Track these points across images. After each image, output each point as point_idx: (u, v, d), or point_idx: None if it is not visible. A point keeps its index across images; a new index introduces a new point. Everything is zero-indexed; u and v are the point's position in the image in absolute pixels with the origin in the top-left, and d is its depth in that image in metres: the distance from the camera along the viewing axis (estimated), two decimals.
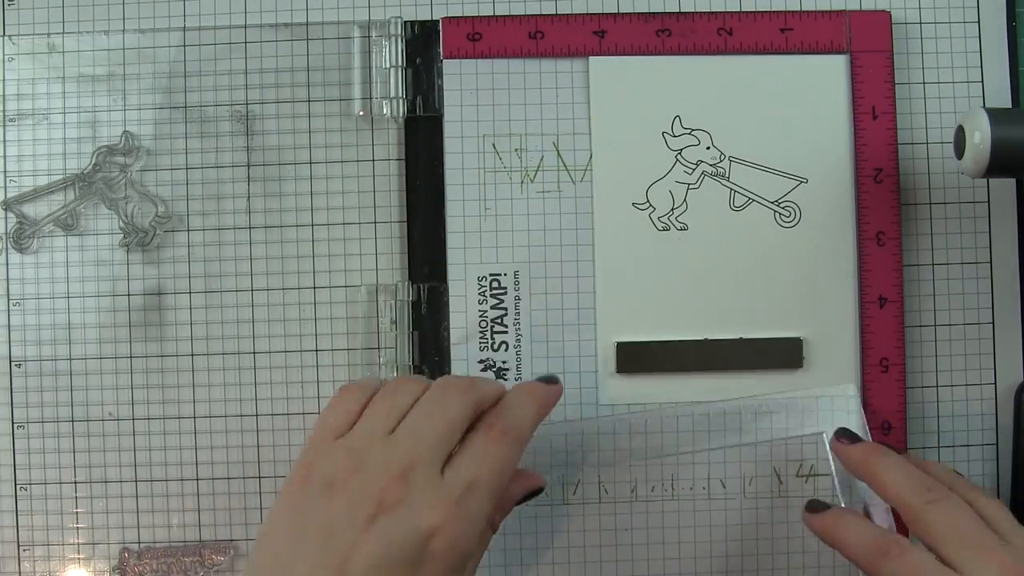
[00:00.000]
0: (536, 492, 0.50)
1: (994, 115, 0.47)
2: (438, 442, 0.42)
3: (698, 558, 0.53)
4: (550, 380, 0.48)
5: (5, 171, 0.54)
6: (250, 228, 0.54)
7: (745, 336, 0.53)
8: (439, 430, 0.42)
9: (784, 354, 0.53)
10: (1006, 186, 0.54)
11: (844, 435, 0.50)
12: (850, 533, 0.46)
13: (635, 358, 0.53)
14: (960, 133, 0.48)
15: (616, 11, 0.54)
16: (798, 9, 0.54)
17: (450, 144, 0.53)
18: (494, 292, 0.53)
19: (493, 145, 0.53)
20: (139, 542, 0.53)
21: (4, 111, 0.54)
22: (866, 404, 0.53)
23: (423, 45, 0.54)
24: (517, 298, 0.53)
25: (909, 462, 0.48)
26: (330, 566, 0.40)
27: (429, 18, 0.54)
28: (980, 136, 0.47)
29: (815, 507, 0.49)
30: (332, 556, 0.40)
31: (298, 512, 0.41)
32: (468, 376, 0.47)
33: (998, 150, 0.47)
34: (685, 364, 0.53)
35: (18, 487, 0.53)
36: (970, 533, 0.44)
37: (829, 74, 0.53)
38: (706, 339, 0.53)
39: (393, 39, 0.53)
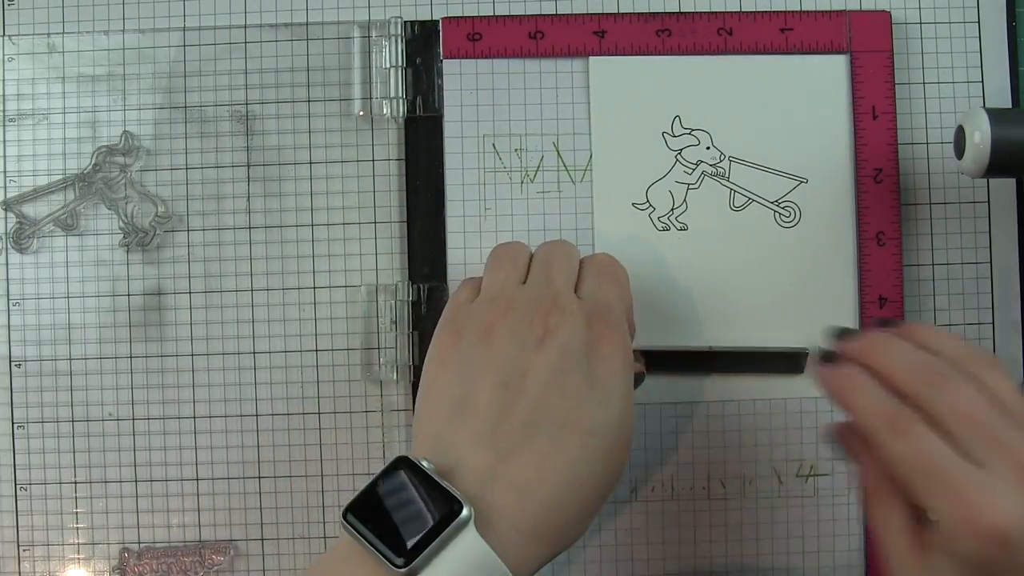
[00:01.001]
0: (638, 378, 0.51)
1: (994, 115, 0.47)
2: (568, 275, 0.46)
3: (698, 558, 0.53)
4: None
5: (5, 171, 0.54)
6: (250, 228, 0.54)
7: (747, 344, 0.53)
8: (564, 266, 0.46)
9: (788, 363, 0.53)
10: (1006, 186, 0.54)
11: (824, 357, 0.44)
12: (862, 396, 0.41)
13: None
14: (960, 133, 0.48)
15: (616, 11, 0.54)
16: (798, 9, 0.54)
17: (450, 144, 0.53)
18: None
19: (493, 145, 0.53)
20: (139, 542, 0.53)
21: (4, 111, 0.54)
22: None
23: (423, 45, 0.54)
24: None
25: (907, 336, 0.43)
26: (511, 386, 0.42)
27: (429, 18, 0.54)
28: (980, 136, 0.47)
29: (828, 357, 0.44)
30: (510, 377, 0.42)
31: (461, 360, 0.44)
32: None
33: (998, 150, 0.47)
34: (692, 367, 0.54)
35: (18, 487, 0.53)
36: (979, 420, 0.39)
37: (829, 74, 0.53)
38: (710, 348, 0.53)
39: (393, 39, 0.53)
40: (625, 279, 0.48)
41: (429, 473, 0.40)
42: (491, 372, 0.43)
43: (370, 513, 0.40)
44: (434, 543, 0.38)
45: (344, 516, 0.40)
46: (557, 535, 0.41)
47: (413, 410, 0.53)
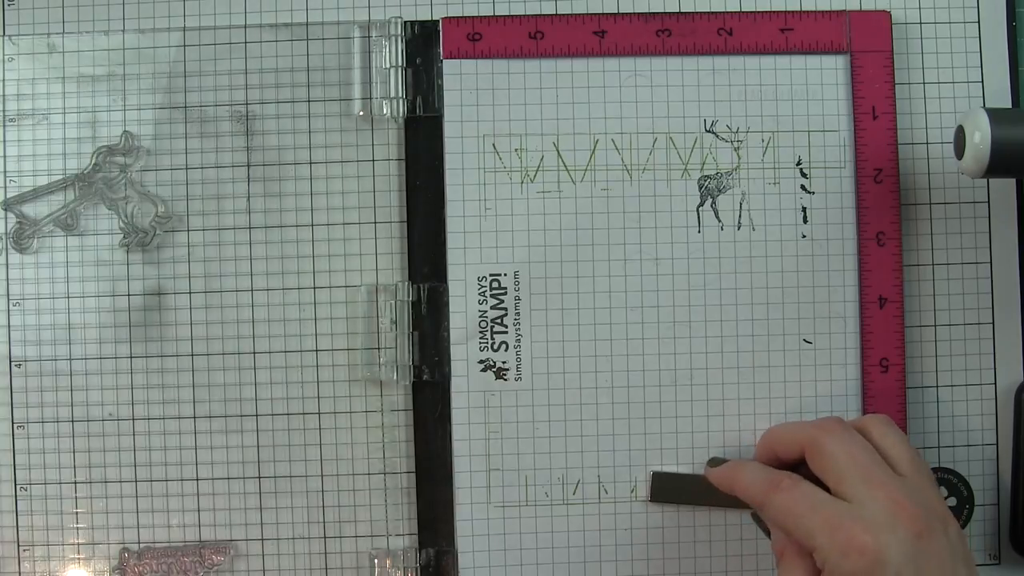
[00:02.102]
0: None
1: (994, 115, 0.47)
2: None
3: (698, 558, 0.53)
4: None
5: (5, 171, 0.54)
6: (250, 228, 0.54)
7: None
8: None
9: None
10: (1006, 186, 0.54)
11: (711, 462, 0.52)
12: (745, 475, 0.48)
13: (670, 486, 0.54)
14: (960, 133, 0.48)
15: (616, 11, 0.54)
16: (798, 9, 0.54)
17: (450, 144, 0.53)
18: (494, 292, 0.53)
19: (493, 145, 0.53)
20: (139, 542, 0.53)
21: (4, 111, 0.54)
22: (866, 404, 0.53)
23: (423, 45, 0.54)
24: (517, 298, 0.53)
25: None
26: None
27: (429, 18, 0.54)
28: (980, 136, 0.47)
29: (715, 463, 0.51)
30: None
31: None
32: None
33: (998, 150, 0.47)
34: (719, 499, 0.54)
35: (18, 487, 0.53)
36: (862, 465, 0.45)
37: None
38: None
39: (393, 39, 0.53)
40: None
41: None
42: None
43: None
44: None
45: None
46: None
47: (413, 410, 0.53)
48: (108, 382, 0.53)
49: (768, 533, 0.50)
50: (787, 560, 0.46)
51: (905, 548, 0.42)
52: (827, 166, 0.53)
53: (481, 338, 0.53)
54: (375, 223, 0.54)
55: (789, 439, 0.48)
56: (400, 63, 0.53)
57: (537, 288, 0.53)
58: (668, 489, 0.53)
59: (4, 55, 0.54)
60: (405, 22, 0.53)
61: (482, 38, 0.53)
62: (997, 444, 0.54)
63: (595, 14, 0.53)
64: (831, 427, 0.46)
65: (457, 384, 0.53)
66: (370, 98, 0.54)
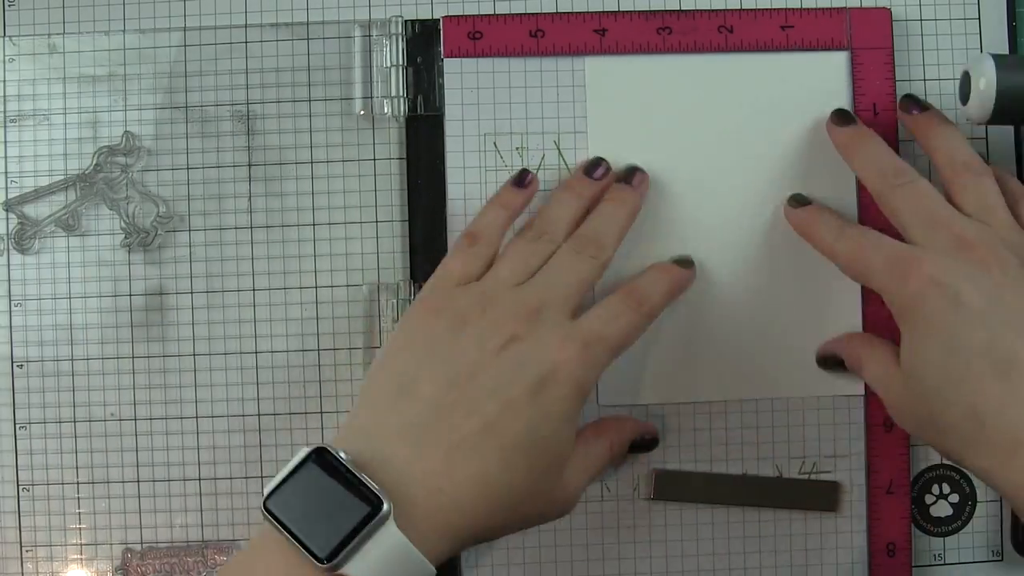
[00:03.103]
0: (651, 442, 0.53)
1: (1000, 61, 0.47)
2: (568, 291, 0.46)
3: (700, 556, 0.53)
4: (683, 263, 0.52)
5: (6, 172, 0.54)
6: (251, 228, 0.54)
7: (750, 344, 0.53)
8: (569, 281, 0.47)
9: (821, 497, 0.54)
10: (1004, 133, 0.54)
11: (838, 116, 0.52)
12: (819, 223, 0.50)
13: (672, 485, 0.54)
14: (965, 79, 0.49)
15: (617, 9, 0.54)
16: (799, 6, 0.54)
17: (451, 143, 0.53)
18: None
19: (494, 144, 0.53)
20: (141, 542, 0.53)
21: (5, 112, 0.54)
22: (868, 401, 0.53)
23: (424, 44, 0.54)
24: None
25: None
26: (456, 386, 0.43)
27: (430, 17, 0.54)
28: (985, 82, 0.47)
29: (797, 200, 0.52)
30: (459, 377, 0.43)
31: (426, 341, 0.45)
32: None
33: (1003, 96, 0.47)
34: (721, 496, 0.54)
35: (20, 487, 0.53)
36: (928, 211, 0.46)
37: (830, 71, 0.53)
38: (745, 474, 0.54)
39: (394, 38, 0.53)
40: (659, 306, 0.49)
41: (348, 465, 0.41)
42: (443, 367, 0.44)
43: (291, 503, 0.40)
44: (356, 539, 0.39)
45: (264, 506, 0.40)
46: (469, 535, 0.43)
47: None
48: (110, 382, 0.53)
49: (838, 366, 0.52)
50: (867, 348, 0.49)
51: (969, 272, 0.43)
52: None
53: None
54: (376, 222, 0.54)
55: (864, 172, 0.50)
56: (401, 62, 0.53)
57: None
58: (670, 487, 0.53)
59: (5, 55, 0.54)
60: (406, 21, 0.53)
61: (483, 37, 0.53)
62: None
63: (596, 12, 0.53)
64: (897, 180, 0.48)
65: None
66: (371, 97, 0.54)
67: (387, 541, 0.40)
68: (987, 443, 0.42)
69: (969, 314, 0.43)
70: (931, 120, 0.50)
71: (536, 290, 0.46)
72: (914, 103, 0.51)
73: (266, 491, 0.41)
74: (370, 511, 0.40)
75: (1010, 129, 0.54)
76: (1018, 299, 0.43)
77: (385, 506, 0.40)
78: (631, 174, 0.52)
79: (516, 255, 0.48)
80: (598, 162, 0.51)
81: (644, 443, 0.52)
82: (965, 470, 0.53)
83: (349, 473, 0.41)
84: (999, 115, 0.48)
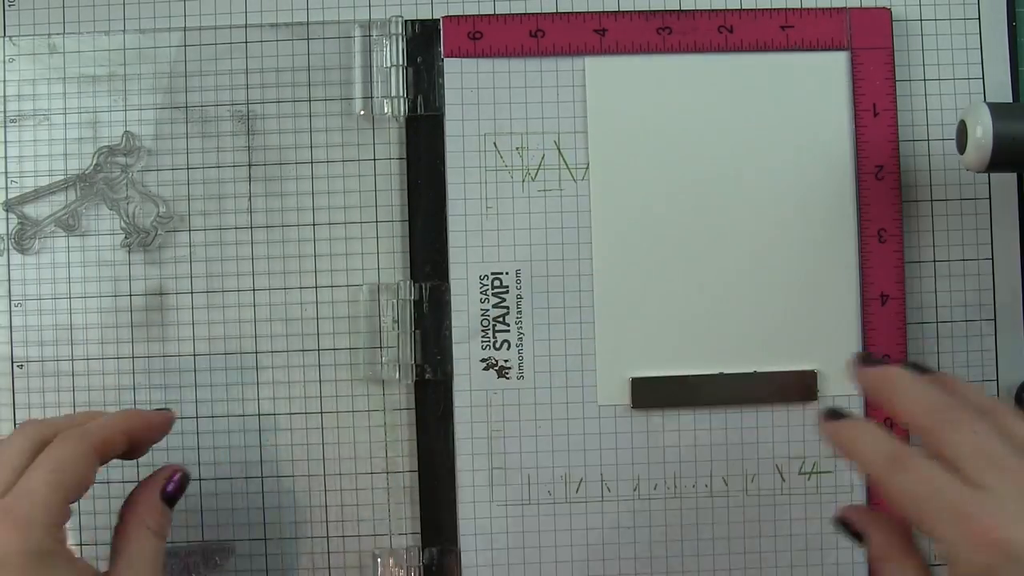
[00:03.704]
0: (182, 481, 0.48)
1: (996, 109, 0.47)
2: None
3: (701, 556, 0.53)
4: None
5: (6, 172, 0.54)
6: (251, 228, 0.54)
7: (750, 343, 0.53)
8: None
9: (798, 387, 0.54)
10: (1007, 182, 0.54)
11: (863, 359, 0.45)
12: (866, 442, 0.42)
13: (650, 391, 0.53)
14: (962, 127, 0.48)
15: (617, 9, 0.54)
16: (799, 6, 0.54)
17: (451, 143, 0.53)
18: (496, 291, 0.53)
19: (494, 144, 0.53)
20: None
21: (5, 112, 0.54)
22: (868, 401, 0.53)
23: (424, 44, 0.54)
24: (519, 297, 0.53)
25: (933, 383, 0.43)
26: None
27: (430, 17, 0.54)
28: (982, 130, 0.47)
29: (833, 415, 0.44)
30: None
31: None
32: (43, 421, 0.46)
33: (1000, 144, 0.47)
34: (701, 398, 0.53)
35: None
36: (992, 451, 0.39)
37: (830, 71, 0.54)
38: (721, 373, 0.53)
39: (394, 38, 0.53)
40: (105, 434, 0.44)
41: None
42: None
43: None
44: None
45: None
46: None
47: (415, 409, 0.53)
48: (110, 382, 0.53)
49: (859, 540, 0.44)
50: (894, 564, 0.42)
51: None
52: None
53: (483, 337, 0.53)
54: (376, 222, 0.54)
55: (910, 410, 0.42)
56: (401, 62, 0.53)
57: (539, 287, 0.53)
58: (649, 394, 0.53)
59: (5, 56, 0.54)
60: (405, 21, 0.54)
61: (483, 37, 0.53)
62: None
63: (596, 12, 0.54)
64: (956, 419, 0.40)
65: (459, 383, 0.53)
66: (371, 97, 0.54)
67: None
68: None
69: None
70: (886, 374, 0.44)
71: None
72: (865, 360, 0.45)
73: None
74: None
75: (1012, 177, 0.55)
76: None
77: None
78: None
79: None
80: None
81: (177, 487, 0.48)
82: None
83: None
84: (996, 163, 0.47)
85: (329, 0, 0.54)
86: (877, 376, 0.43)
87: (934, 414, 0.41)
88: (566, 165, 0.54)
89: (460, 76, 0.53)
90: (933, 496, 0.39)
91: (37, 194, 0.54)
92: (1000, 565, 0.37)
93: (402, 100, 0.53)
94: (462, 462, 0.53)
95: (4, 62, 0.54)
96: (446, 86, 0.53)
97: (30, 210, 0.54)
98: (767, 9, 0.54)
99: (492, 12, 0.54)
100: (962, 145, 0.48)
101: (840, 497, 0.53)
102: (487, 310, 0.53)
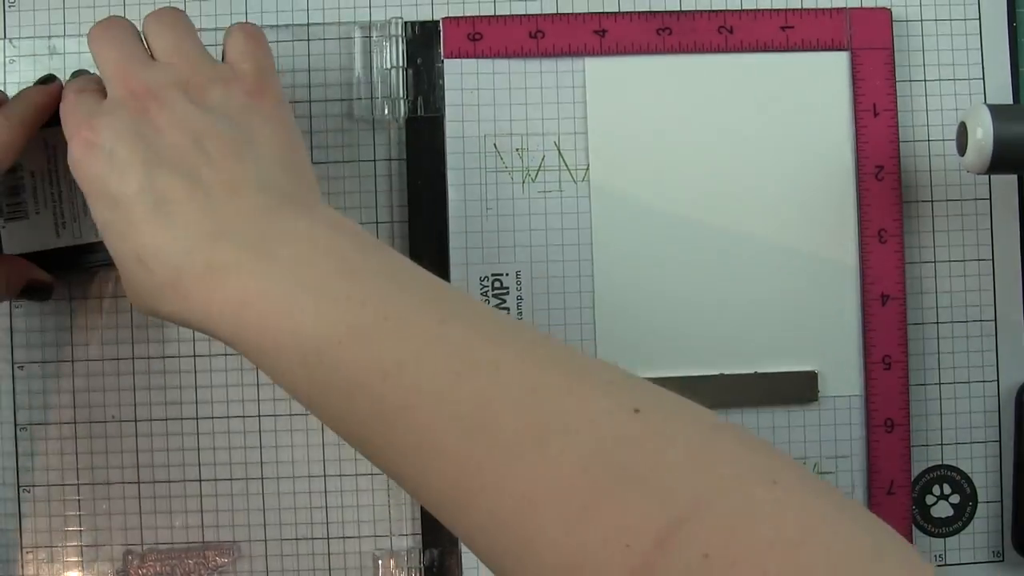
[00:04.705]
0: (44, 289, 0.50)
1: (996, 111, 0.47)
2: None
3: None
4: (46, 80, 0.49)
5: None
6: None
7: (749, 344, 0.53)
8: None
9: (798, 388, 0.53)
10: (1008, 183, 0.54)
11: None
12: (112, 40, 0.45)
13: None
14: (962, 129, 0.48)
15: (617, 10, 0.54)
16: (799, 7, 0.54)
17: (451, 144, 0.53)
18: (496, 292, 0.53)
19: (494, 145, 0.53)
20: (142, 544, 0.53)
21: None
22: (868, 401, 0.53)
23: (424, 45, 0.54)
24: (519, 298, 0.53)
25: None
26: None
27: (429, 18, 0.54)
28: (982, 132, 0.47)
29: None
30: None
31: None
32: None
33: (1000, 146, 0.47)
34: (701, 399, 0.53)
35: (21, 489, 0.53)
36: (115, 64, 0.44)
37: (830, 72, 0.53)
38: (721, 373, 0.53)
39: (394, 39, 0.53)
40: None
41: None
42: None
43: None
44: None
45: None
46: None
47: None
48: (110, 383, 0.53)
49: None
50: None
51: (127, 124, 0.42)
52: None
53: None
54: (376, 223, 0.54)
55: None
56: (401, 63, 0.53)
57: (539, 288, 0.53)
58: None
59: (5, 57, 0.54)
60: (405, 22, 0.53)
61: (482, 38, 0.53)
62: (1000, 441, 0.54)
63: (595, 13, 0.53)
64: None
65: None
66: (371, 98, 0.54)
67: None
68: (162, 286, 0.41)
69: (122, 164, 0.41)
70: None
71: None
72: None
73: None
74: None
75: (1013, 178, 0.55)
76: (176, 136, 0.41)
77: None
78: None
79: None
80: None
81: (36, 290, 0.51)
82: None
83: None
84: (997, 165, 0.47)
85: (329, 1, 0.54)
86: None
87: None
88: (566, 166, 0.53)
89: (460, 77, 0.53)
90: (70, 109, 0.44)
91: None
92: (81, 156, 0.42)
93: (402, 101, 0.53)
94: None
95: (4, 63, 0.54)
96: (446, 87, 0.53)
97: None
98: (767, 9, 0.53)
99: (492, 13, 0.54)
100: (962, 147, 0.48)
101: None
102: None
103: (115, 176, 0.41)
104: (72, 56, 0.54)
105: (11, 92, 0.53)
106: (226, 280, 0.39)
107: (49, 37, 0.54)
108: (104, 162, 0.41)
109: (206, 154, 0.41)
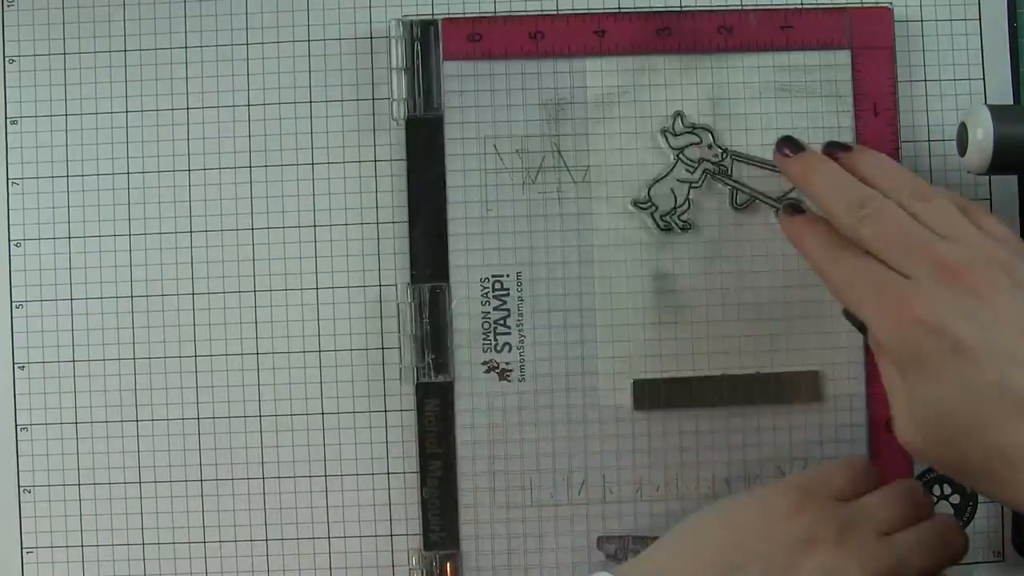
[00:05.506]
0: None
1: (997, 112, 0.47)
2: (887, 519, 0.45)
3: None
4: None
5: (7, 174, 0.54)
6: (252, 229, 0.54)
7: (752, 343, 0.53)
8: (890, 510, 0.45)
9: (801, 387, 0.54)
10: (1008, 183, 0.54)
11: (785, 143, 0.48)
12: (826, 182, 0.46)
13: (652, 393, 0.53)
14: (963, 130, 0.48)
15: (617, 10, 0.54)
16: (799, 6, 0.54)
17: (451, 145, 0.53)
18: (497, 293, 0.53)
19: (494, 146, 0.53)
20: (142, 543, 0.53)
21: (6, 115, 0.54)
22: (870, 400, 0.53)
23: (424, 46, 0.54)
24: (520, 299, 0.53)
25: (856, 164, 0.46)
26: None
27: (430, 19, 0.54)
28: (983, 133, 0.47)
29: (789, 146, 0.48)
30: None
31: (770, 537, 0.44)
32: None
33: (1001, 147, 0.47)
34: (703, 399, 0.53)
35: (21, 489, 0.53)
36: (903, 236, 0.43)
37: (830, 72, 0.53)
38: (723, 374, 0.53)
39: (394, 41, 0.53)
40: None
41: None
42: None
43: None
44: None
45: None
46: None
47: (417, 411, 0.53)
48: (111, 383, 0.53)
49: (862, 329, 0.46)
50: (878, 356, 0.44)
51: (961, 305, 0.40)
52: None
53: (484, 339, 0.53)
54: (377, 224, 0.54)
55: (829, 208, 0.45)
56: (401, 64, 0.53)
57: (540, 289, 0.53)
58: (651, 396, 0.53)
59: (5, 57, 0.54)
60: (405, 23, 0.54)
61: (482, 39, 0.53)
62: None
63: (595, 13, 0.53)
64: (863, 212, 0.44)
65: (461, 386, 0.53)
66: (371, 99, 0.54)
67: None
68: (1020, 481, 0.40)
69: (972, 355, 0.40)
70: (810, 163, 0.47)
71: (905, 558, 0.44)
72: (788, 144, 0.48)
73: None
74: None
75: (1013, 179, 0.54)
76: (1015, 320, 0.40)
77: None
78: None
79: (896, 509, 0.46)
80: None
81: None
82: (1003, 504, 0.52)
83: None
84: (997, 166, 0.48)
85: (329, 2, 0.54)
86: (796, 168, 0.47)
87: (849, 210, 0.44)
88: (566, 167, 0.54)
89: (460, 78, 0.53)
90: (863, 284, 0.43)
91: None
92: (918, 339, 0.40)
93: (402, 102, 0.53)
94: (464, 464, 0.53)
95: (4, 64, 0.54)
96: (446, 88, 0.53)
97: None
98: (767, 9, 0.53)
99: (492, 13, 0.54)
100: (963, 147, 0.48)
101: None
102: (488, 312, 0.53)
103: (964, 367, 0.40)
104: (72, 56, 0.54)
105: (11, 93, 0.53)
106: None
107: (49, 38, 0.54)
108: (948, 348, 0.40)
109: None
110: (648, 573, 0.44)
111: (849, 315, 0.46)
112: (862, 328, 0.45)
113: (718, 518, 0.46)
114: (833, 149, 0.47)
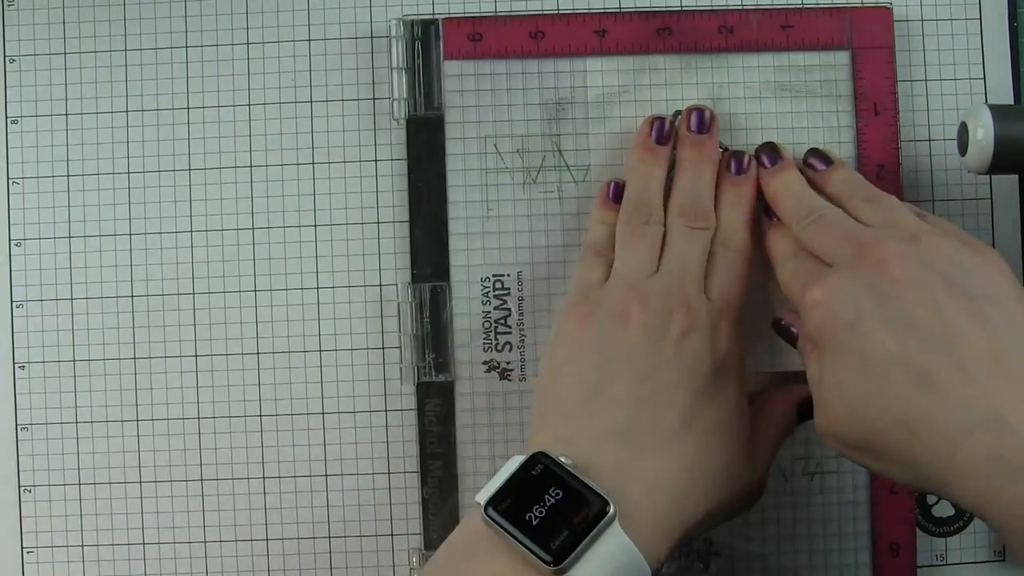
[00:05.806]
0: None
1: (997, 111, 0.47)
2: (699, 271, 0.48)
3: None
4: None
5: (7, 173, 0.54)
6: (253, 229, 0.54)
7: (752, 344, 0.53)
8: (697, 261, 0.48)
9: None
10: (1008, 183, 0.54)
11: (766, 152, 0.51)
12: (787, 197, 0.49)
13: None
14: (963, 130, 0.48)
15: (617, 9, 0.54)
16: (799, 6, 0.54)
17: (452, 145, 0.53)
18: (497, 293, 0.53)
19: (495, 145, 0.53)
20: (143, 542, 0.53)
21: (7, 115, 0.54)
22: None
23: (424, 46, 0.54)
24: (520, 299, 0.53)
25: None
26: (646, 381, 0.45)
27: (430, 18, 0.54)
28: (983, 132, 0.47)
29: (767, 156, 0.51)
30: (645, 373, 0.45)
31: (596, 345, 0.46)
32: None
33: (1001, 146, 0.47)
34: None
35: (22, 489, 0.53)
36: (835, 231, 0.45)
37: (830, 71, 0.53)
38: None
39: (394, 40, 0.53)
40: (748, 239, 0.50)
41: (570, 469, 0.42)
42: (626, 365, 0.45)
43: (512, 508, 0.41)
44: (583, 542, 0.40)
45: (485, 510, 0.41)
46: (681, 531, 0.43)
47: (418, 411, 0.53)
48: (111, 383, 0.53)
49: (789, 340, 0.50)
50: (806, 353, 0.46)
51: (867, 280, 0.42)
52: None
53: (485, 339, 0.53)
54: (378, 223, 0.54)
55: (784, 216, 0.49)
56: (401, 64, 0.53)
57: (540, 288, 0.53)
58: None
59: (5, 56, 0.54)
60: (406, 23, 0.54)
61: (483, 38, 0.53)
62: None
63: (596, 13, 0.53)
64: (809, 219, 0.47)
65: (461, 385, 0.53)
66: (372, 99, 0.54)
67: (612, 544, 0.40)
68: (922, 452, 0.40)
69: (869, 327, 0.41)
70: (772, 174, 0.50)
71: (676, 278, 0.47)
72: (767, 153, 0.51)
73: (483, 497, 0.42)
74: (596, 514, 0.40)
75: (1013, 178, 0.54)
76: (915, 288, 0.41)
77: (611, 509, 0.40)
78: (697, 119, 0.51)
79: (636, 244, 0.48)
80: (662, 122, 0.51)
81: (809, 407, 0.49)
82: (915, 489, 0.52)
83: (572, 478, 0.41)
84: (998, 165, 0.48)
85: (329, 2, 0.54)
86: (768, 184, 0.50)
87: (799, 220, 0.47)
88: (567, 166, 0.54)
89: (460, 78, 0.53)
90: (799, 280, 0.45)
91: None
92: (821, 320, 0.42)
93: (403, 102, 0.53)
94: (464, 464, 0.53)
95: (4, 64, 0.54)
96: (447, 88, 0.53)
97: None
98: (768, 9, 0.53)
99: (492, 13, 0.54)
100: (963, 147, 0.48)
101: (843, 496, 0.53)
102: (489, 312, 0.53)
103: (864, 337, 0.41)
104: (73, 56, 0.54)
105: (12, 93, 0.53)
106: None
107: (49, 38, 0.54)
108: (848, 321, 0.42)
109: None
110: (559, 440, 0.44)
111: (777, 326, 0.51)
112: (789, 338, 0.50)
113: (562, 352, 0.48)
114: (813, 160, 0.50)
